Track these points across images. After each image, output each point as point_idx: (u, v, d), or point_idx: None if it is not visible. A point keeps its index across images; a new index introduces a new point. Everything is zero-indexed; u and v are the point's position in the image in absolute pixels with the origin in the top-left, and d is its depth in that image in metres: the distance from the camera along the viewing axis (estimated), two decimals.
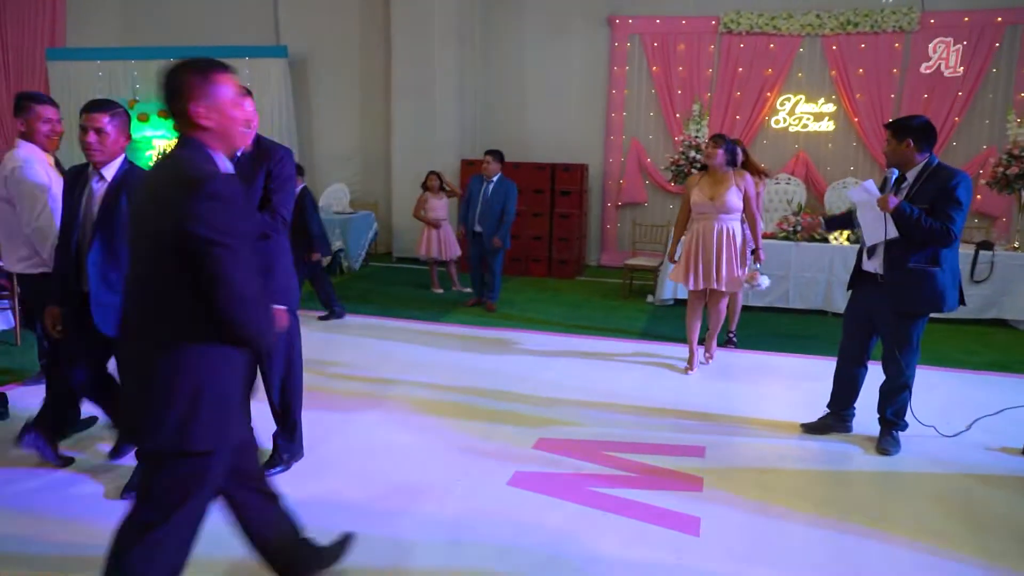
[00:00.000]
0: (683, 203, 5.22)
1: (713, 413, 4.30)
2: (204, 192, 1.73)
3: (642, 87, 9.39)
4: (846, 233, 7.04)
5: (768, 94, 8.86)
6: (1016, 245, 6.85)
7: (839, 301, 7.02)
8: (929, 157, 3.57)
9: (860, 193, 3.65)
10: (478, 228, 6.97)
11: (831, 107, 8.81)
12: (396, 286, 8.26)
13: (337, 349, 5.50)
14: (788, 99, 8.91)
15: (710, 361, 5.39)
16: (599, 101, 9.59)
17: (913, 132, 3.52)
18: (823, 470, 3.60)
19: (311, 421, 3.59)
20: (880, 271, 3.63)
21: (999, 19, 8.20)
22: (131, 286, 1.93)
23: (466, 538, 2.85)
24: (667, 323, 6.69)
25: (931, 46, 8.39)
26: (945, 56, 8.38)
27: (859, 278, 3.83)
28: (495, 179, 6.95)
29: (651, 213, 9.52)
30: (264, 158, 3.07)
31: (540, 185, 8.97)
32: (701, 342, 5.35)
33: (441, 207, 7.78)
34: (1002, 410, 4.23)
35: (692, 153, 7.30)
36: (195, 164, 1.82)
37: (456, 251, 7.81)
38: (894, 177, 3.59)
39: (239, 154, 3.01)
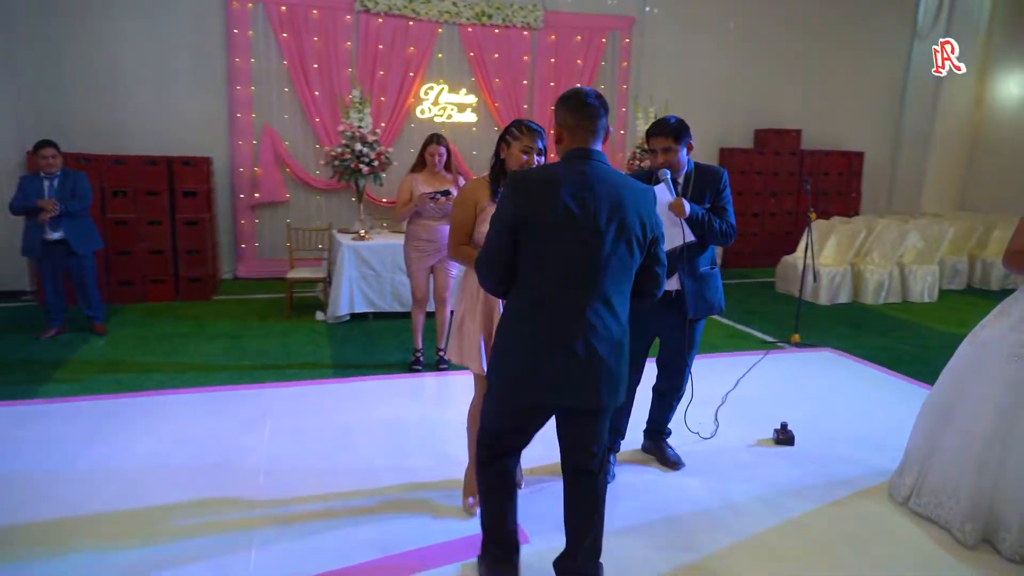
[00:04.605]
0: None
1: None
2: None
3: (271, 57, 7.96)
4: None
5: (412, 74, 8.33)
6: None
7: None
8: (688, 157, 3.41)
9: None
10: (55, 235, 5.50)
11: (472, 98, 8.72)
12: None
13: None
14: (432, 87, 8.54)
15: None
16: (218, 75, 7.85)
17: (688, 133, 3.29)
18: (638, 501, 3.20)
19: None
20: (676, 287, 3.35)
21: (604, 24, 9.05)
22: (600, 284, 2.22)
23: None
24: (353, 346, 5.70)
25: (552, 38, 8.88)
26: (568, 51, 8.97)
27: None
28: (60, 173, 5.59)
29: (298, 213, 8.24)
30: None
31: (154, 185, 6.98)
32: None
33: None
34: (726, 395, 4.39)
35: (358, 146, 6.33)
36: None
37: None
38: (668, 176, 3.26)
39: None
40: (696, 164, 3.36)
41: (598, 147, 2.29)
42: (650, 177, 3.29)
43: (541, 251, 2.20)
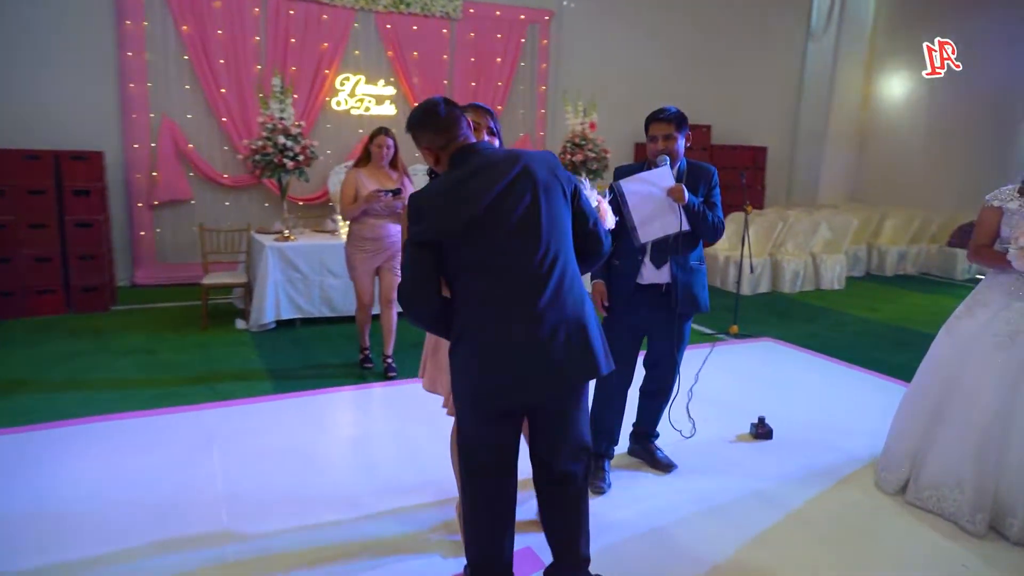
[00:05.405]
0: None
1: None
2: None
3: (170, 50, 7.25)
4: None
5: (327, 71, 7.86)
6: None
7: None
8: None
9: (640, 184, 3.07)
10: None
11: (391, 90, 8.34)
12: None
13: None
14: (348, 78, 8.08)
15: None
16: (106, 54, 7.03)
17: (687, 123, 3.19)
18: (639, 508, 3.06)
19: None
20: (667, 280, 3.22)
21: (522, 16, 8.90)
22: (546, 247, 2.11)
23: None
24: (287, 356, 5.25)
25: (472, 35, 8.64)
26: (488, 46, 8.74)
27: (635, 292, 3.25)
28: None
29: (204, 213, 7.55)
30: None
31: (37, 183, 6.14)
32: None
33: None
34: (691, 389, 4.31)
35: (281, 139, 5.81)
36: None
37: None
38: (667, 162, 3.13)
39: None
40: (688, 161, 3.27)
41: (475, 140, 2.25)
42: (644, 167, 3.17)
43: (475, 255, 2.09)
